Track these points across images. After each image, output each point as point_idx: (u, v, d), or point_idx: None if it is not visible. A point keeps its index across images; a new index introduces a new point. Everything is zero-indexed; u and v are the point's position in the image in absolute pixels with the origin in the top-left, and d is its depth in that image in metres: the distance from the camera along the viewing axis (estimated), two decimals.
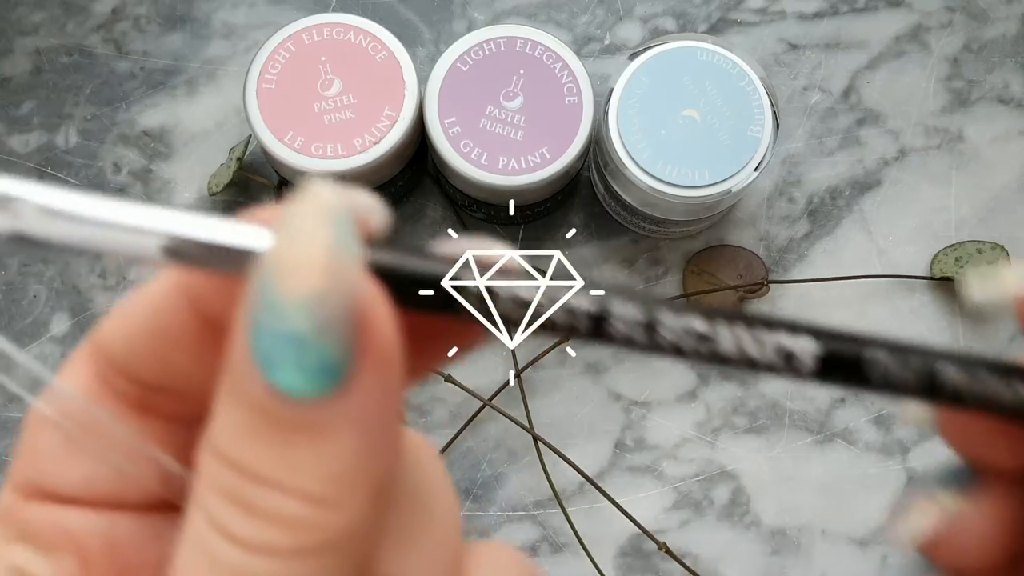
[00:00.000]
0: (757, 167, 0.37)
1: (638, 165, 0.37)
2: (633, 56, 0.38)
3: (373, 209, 0.15)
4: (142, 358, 0.16)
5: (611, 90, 0.38)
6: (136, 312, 0.16)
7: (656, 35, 0.45)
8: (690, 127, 0.37)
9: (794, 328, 0.15)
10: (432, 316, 0.15)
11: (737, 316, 0.15)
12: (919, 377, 0.15)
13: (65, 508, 0.16)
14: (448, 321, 0.15)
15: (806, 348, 0.15)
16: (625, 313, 0.15)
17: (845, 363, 0.15)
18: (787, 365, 0.15)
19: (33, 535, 0.15)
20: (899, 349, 0.16)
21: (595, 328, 0.15)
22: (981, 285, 0.17)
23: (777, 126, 0.38)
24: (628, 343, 0.15)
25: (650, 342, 0.15)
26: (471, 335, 0.16)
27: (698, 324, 0.15)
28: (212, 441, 0.13)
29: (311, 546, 0.13)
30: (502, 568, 0.16)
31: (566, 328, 0.15)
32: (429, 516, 0.15)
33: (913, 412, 0.18)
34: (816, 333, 0.15)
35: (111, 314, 0.16)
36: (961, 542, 0.18)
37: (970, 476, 0.18)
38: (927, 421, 0.18)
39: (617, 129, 0.37)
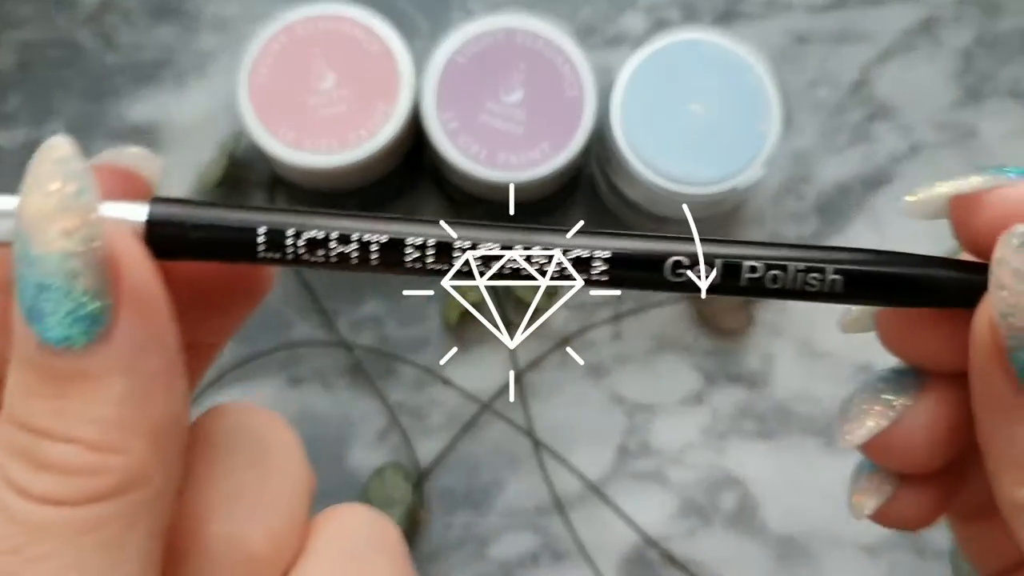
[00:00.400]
0: (765, 163, 0.36)
1: (641, 161, 0.36)
2: (637, 48, 0.37)
3: (144, 161, 0.16)
4: None
5: (614, 83, 0.37)
6: None
7: (661, 26, 0.44)
8: (695, 122, 0.36)
9: (586, 236, 0.16)
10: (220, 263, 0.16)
11: (529, 232, 0.16)
12: (720, 270, 0.16)
13: None
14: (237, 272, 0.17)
15: (598, 254, 0.16)
16: (417, 241, 0.15)
17: (639, 263, 0.16)
18: (582, 272, 0.16)
19: None
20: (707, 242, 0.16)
21: (391, 257, 0.15)
22: (915, 195, 0.18)
23: (785, 121, 0.37)
24: (426, 273, 0.16)
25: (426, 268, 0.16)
26: (261, 279, 0.18)
27: (489, 236, 0.15)
28: (3, 405, 0.14)
29: (99, 492, 0.14)
30: (353, 528, 0.17)
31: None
32: (263, 478, 0.16)
33: (851, 318, 0.19)
34: (611, 238, 0.16)
35: None
36: (907, 443, 0.18)
37: (914, 378, 0.18)
38: (864, 324, 0.19)
39: (620, 124, 0.36)
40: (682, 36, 0.37)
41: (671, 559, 0.40)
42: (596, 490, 0.40)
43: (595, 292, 0.43)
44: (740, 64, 0.37)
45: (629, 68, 0.37)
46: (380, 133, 0.36)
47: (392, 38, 0.38)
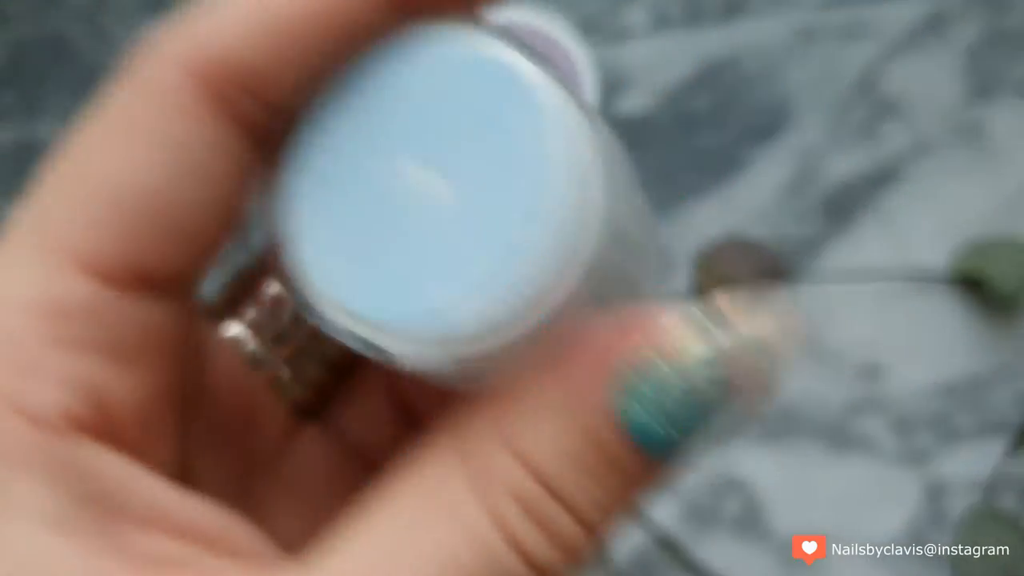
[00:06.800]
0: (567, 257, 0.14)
1: (330, 298, 0.15)
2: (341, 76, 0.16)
3: None
4: (303, 55, 0.14)
5: (290, 160, 0.15)
6: None
7: (663, 22, 0.44)
8: (430, 215, 0.15)
9: None
10: None
11: None
12: None
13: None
14: None
15: None
16: None
17: None
18: None
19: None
20: None
21: None
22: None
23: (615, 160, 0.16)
24: None
25: None
26: None
27: None
28: (523, 450, 0.14)
29: (565, 570, 0.14)
30: None
31: None
32: None
33: None
34: None
35: (234, 12, 0.14)
36: None
37: None
38: None
39: (294, 233, 0.15)
40: (403, 38, 0.15)
41: (682, 559, 0.40)
42: None
43: None
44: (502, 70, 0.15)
45: (308, 126, 0.15)
46: None
47: None
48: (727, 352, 0.14)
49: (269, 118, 0.14)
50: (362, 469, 0.19)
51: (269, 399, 0.18)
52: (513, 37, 0.15)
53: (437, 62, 0.15)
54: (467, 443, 0.14)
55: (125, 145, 0.14)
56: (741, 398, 0.14)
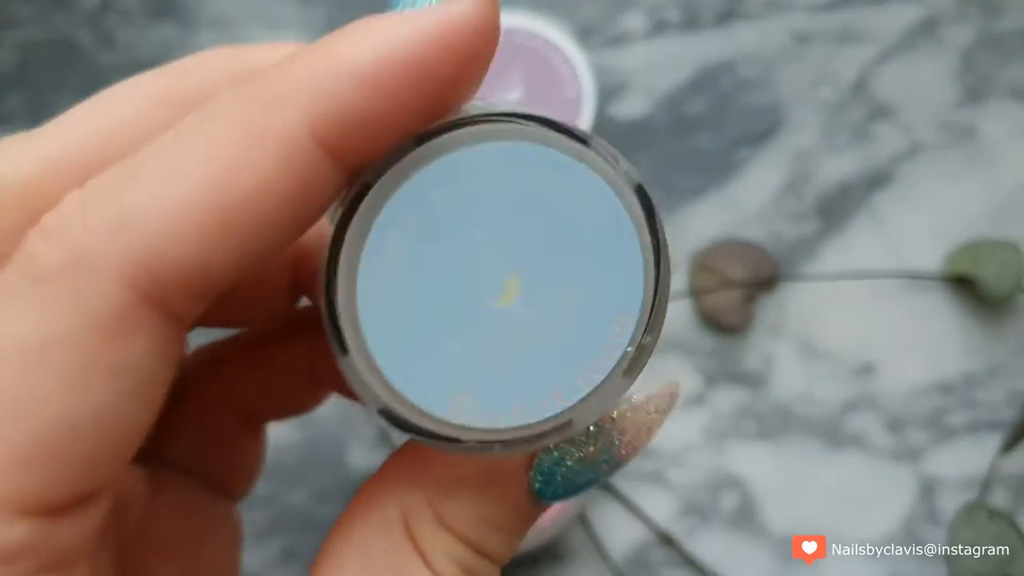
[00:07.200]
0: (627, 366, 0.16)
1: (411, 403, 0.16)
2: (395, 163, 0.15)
3: None
4: (258, 250, 0.13)
5: (335, 250, 0.15)
6: (243, 198, 0.13)
7: (661, 27, 0.44)
8: (501, 325, 0.16)
9: None
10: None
11: None
12: None
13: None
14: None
15: None
16: None
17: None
18: None
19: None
20: None
21: None
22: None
23: (658, 272, 0.16)
24: None
25: None
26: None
27: None
28: (453, 524, 0.17)
29: None
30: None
31: None
32: None
33: None
34: None
35: (166, 211, 0.13)
36: None
37: None
38: None
39: (361, 336, 0.16)
40: (479, 138, 0.15)
41: (680, 554, 0.40)
42: (607, 488, 0.40)
43: None
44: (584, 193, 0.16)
45: (376, 230, 0.15)
46: None
47: None
48: (615, 425, 0.18)
49: (201, 305, 0.14)
50: (212, 492, 0.21)
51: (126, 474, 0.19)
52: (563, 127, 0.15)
53: (514, 161, 0.15)
54: (408, 517, 0.17)
55: (63, 377, 0.13)
56: (625, 457, 0.18)
